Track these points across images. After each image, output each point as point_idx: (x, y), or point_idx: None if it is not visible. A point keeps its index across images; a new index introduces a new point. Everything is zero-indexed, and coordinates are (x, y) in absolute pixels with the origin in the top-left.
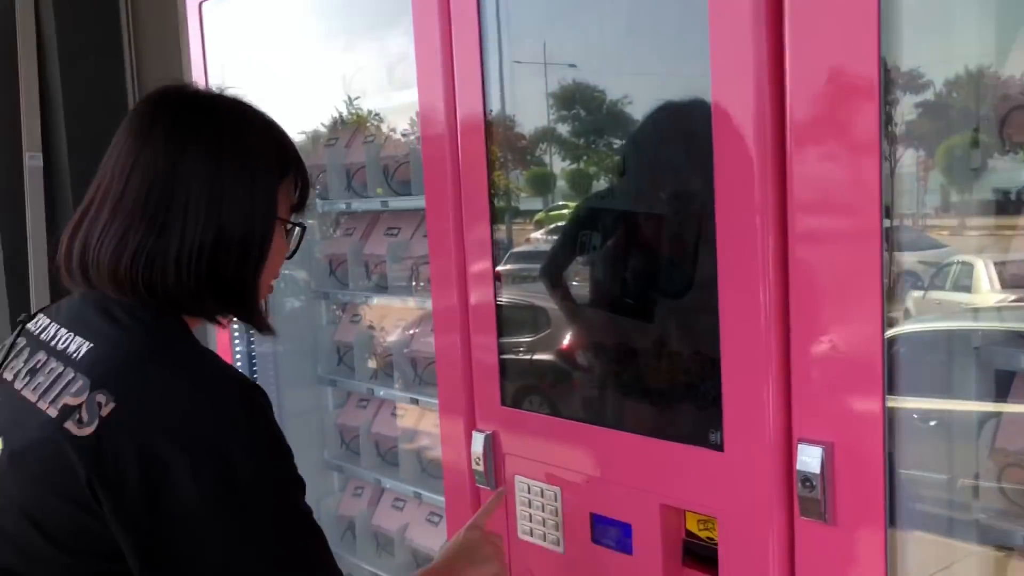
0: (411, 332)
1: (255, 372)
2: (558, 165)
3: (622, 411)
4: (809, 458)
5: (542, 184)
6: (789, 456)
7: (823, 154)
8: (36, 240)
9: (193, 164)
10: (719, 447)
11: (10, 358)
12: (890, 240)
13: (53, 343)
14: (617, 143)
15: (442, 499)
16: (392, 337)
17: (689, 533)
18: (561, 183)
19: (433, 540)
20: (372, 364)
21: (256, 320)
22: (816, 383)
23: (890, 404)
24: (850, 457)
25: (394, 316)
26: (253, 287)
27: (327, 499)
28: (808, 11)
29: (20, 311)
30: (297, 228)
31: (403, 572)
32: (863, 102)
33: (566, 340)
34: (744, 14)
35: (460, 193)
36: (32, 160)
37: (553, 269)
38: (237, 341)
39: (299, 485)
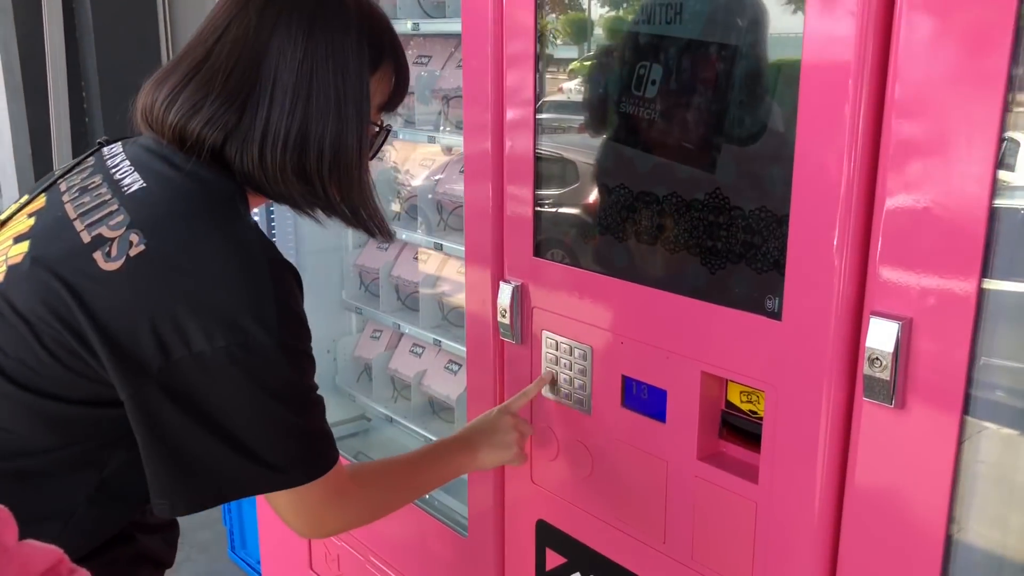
0: (438, 174)
1: (271, 209)
2: (596, 12)
3: (668, 269)
4: (882, 334)
5: (578, 31)
6: (857, 330)
7: None
8: (55, 46)
9: (283, 43)
10: (776, 315)
11: (74, 172)
12: (1015, 87)
13: (113, 171)
14: None
15: (462, 348)
16: (417, 178)
17: (729, 404)
18: (599, 31)
19: (451, 388)
20: (395, 207)
21: (363, 224)
22: (900, 250)
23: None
24: (930, 337)
25: (420, 155)
26: (355, 187)
27: (344, 339)
28: None
29: (40, 125)
30: (382, 129)
31: (418, 417)
32: None
33: (606, 188)
34: None
35: (502, 15)
36: None
37: (601, 105)
38: None
39: (311, 364)
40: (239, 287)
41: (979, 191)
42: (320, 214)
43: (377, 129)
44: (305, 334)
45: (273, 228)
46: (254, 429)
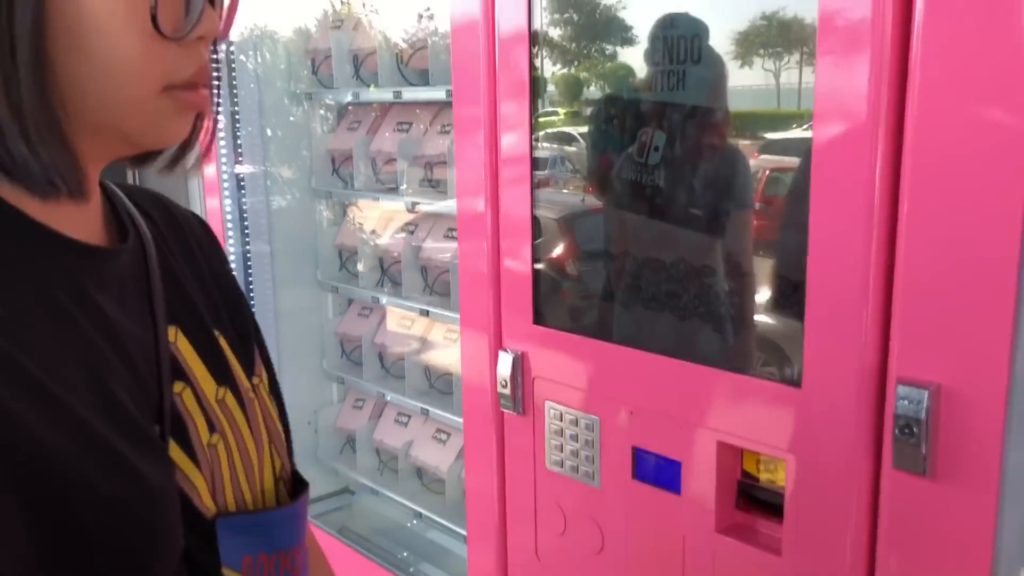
0: (422, 237)
1: (250, 273)
2: (548, 69)
3: (679, 337)
4: (911, 401)
5: (532, 88)
6: (881, 397)
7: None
8: None
9: None
10: (795, 383)
11: None
12: None
13: None
14: (610, 49)
15: (450, 417)
16: (401, 242)
17: (745, 474)
18: (551, 88)
19: (440, 459)
20: (360, 266)
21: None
22: (926, 313)
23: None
24: (961, 403)
25: (402, 219)
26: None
27: (325, 410)
28: None
29: None
30: None
31: (406, 489)
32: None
33: (609, 255)
34: None
35: (495, 76)
36: None
37: (602, 171)
38: (231, 239)
39: None
40: None
41: (1007, 252)
42: None
43: None
44: None
45: (251, 290)
46: None
